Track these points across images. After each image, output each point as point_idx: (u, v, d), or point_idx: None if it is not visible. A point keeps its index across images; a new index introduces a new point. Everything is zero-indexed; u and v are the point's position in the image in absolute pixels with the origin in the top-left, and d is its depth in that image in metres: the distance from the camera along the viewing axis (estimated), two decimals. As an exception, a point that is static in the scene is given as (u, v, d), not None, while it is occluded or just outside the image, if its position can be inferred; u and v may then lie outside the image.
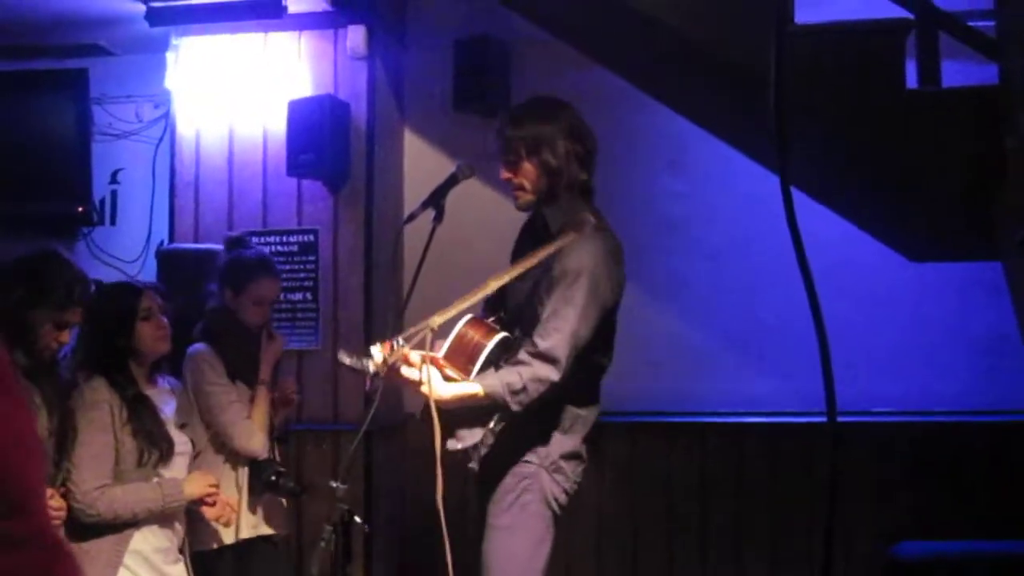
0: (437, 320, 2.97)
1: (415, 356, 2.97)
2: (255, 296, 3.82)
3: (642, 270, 5.14)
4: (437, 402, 2.99)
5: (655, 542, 5.00)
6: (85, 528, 3.17)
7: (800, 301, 1.89)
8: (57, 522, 3.04)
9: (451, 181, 3.31)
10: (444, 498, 2.88)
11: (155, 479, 3.29)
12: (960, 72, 3.42)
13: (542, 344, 3.03)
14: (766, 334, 4.98)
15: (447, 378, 3.07)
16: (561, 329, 3.02)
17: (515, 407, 3.00)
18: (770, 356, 5.00)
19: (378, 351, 2.93)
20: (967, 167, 3.12)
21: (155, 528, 3.31)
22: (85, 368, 3.32)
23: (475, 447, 3.12)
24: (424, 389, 2.96)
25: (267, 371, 3.82)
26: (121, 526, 3.22)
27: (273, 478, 3.66)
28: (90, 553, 3.17)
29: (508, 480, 3.14)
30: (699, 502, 4.97)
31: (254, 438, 3.68)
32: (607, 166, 5.07)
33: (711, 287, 5.10)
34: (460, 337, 3.14)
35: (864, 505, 4.68)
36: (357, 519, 3.11)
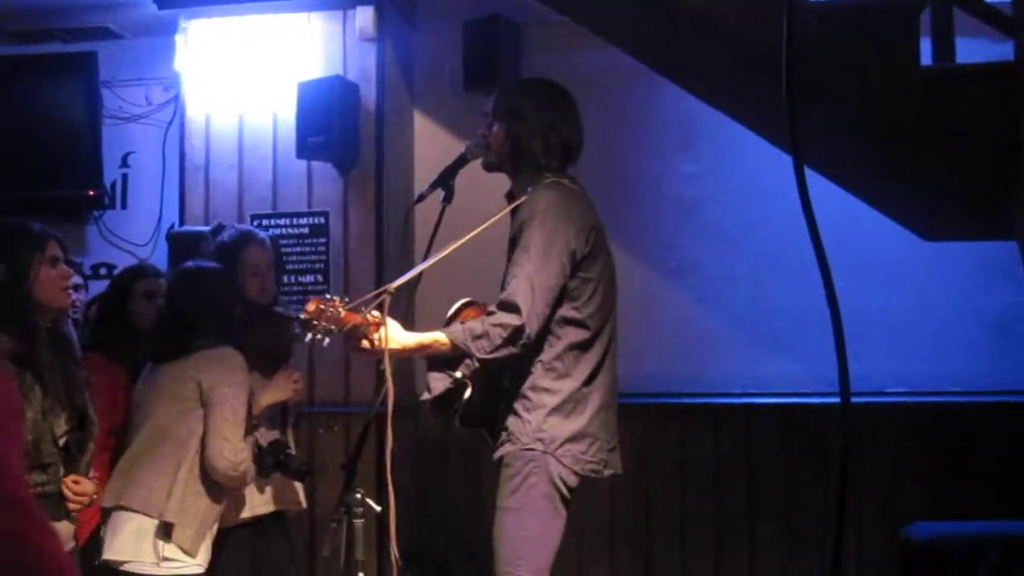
0: (394, 285, 3.00)
1: (375, 315, 2.98)
2: (249, 265, 3.82)
3: (654, 252, 5.14)
4: (401, 350, 3.04)
5: (668, 523, 5.00)
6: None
7: (813, 282, 1.87)
8: (78, 507, 3.04)
9: (460, 161, 3.35)
10: (394, 459, 2.91)
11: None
12: (975, 49, 3.38)
13: (503, 294, 3.08)
14: (779, 315, 4.96)
15: None
16: (518, 275, 3.06)
17: (478, 353, 3.03)
18: (783, 337, 4.97)
19: (311, 303, 2.93)
20: (981, 145, 3.09)
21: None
22: (210, 335, 3.44)
23: (447, 400, 3.16)
24: (387, 343, 2.98)
25: (261, 405, 3.68)
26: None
27: (281, 458, 3.67)
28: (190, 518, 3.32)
29: (515, 464, 3.14)
30: (712, 483, 4.97)
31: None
32: (619, 147, 5.10)
33: (724, 268, 5.08)
34: (454, 317, 3.23)
35: (877, 486, 4.66)
36: (369, 501, 3.12)
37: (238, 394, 3.38)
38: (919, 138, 3.16)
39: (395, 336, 3.02)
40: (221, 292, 3.57)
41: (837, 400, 1.80)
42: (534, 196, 3.16)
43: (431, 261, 3.13)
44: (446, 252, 3.13)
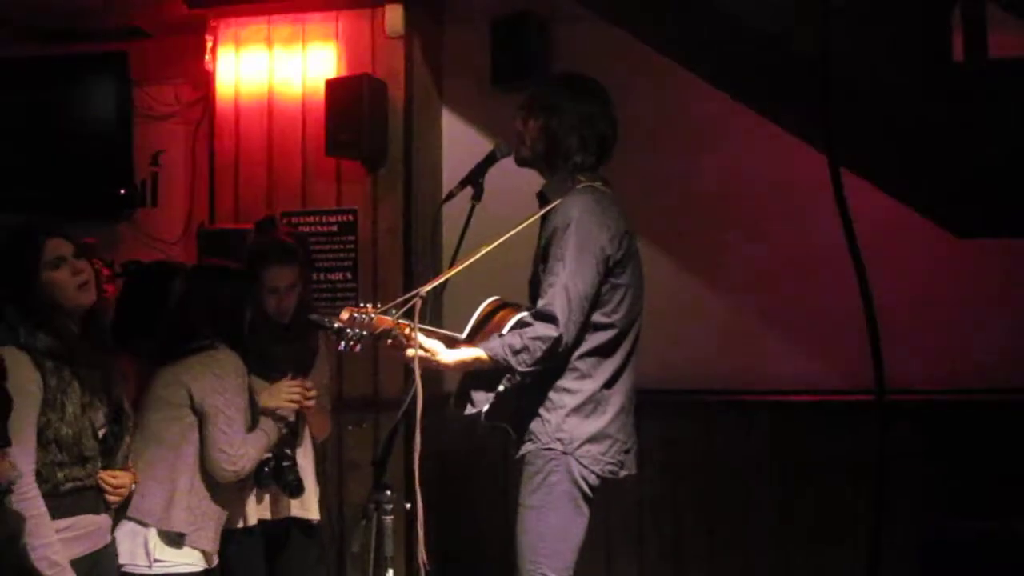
0: (425, 289, 3.00)
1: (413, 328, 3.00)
2: (267, 285, 3.75)
3: (685, 248, 5.12)
4: (445, 368, 3.11)
5: (697, 521, 4.98)
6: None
7: (846, 278, 1.87)
8: (117, 499, 3.07)
9: (489, 159, 3.35)
10: (421, 459, 2.91)
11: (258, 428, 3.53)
12: (1005, 43, 3.34)
13: (540, 303, 3.09)
14: (810, 311, 4.92)
15: None
16: (554, 284, 3.07)
17: (519, 367, 3.05)
18: (814, 333, 4.95)
19: (345, 312, 2.96)
20: (1015, 140, 3.06)
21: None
22: (208, 337, 3.41)
23: (493, 412, 3.17)
24: (429, 356, 3.07)
25: (269, 402, 3.59)
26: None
27: (279, 466, 3.59)
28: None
29: (536, 462, 3.16)
30: (742, 481, 4.94)
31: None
32: (649, 143, 5.07)
33: (756, 265, 5.05)
34: (482, 317, 3.24)
35: (908, 483, 4.62)
36: (399, 498, 3.12)
37: (230, 401, 3.35)
38: (952, 134, 3.14)
39: (440, 356, 3.09)
40: (228, 294, 3.52)
41: (869, 397, 1.79)
42: (567, 202, 3.15)
43: (462, 265, 3.13)
44: (477, 256, 3.14)
